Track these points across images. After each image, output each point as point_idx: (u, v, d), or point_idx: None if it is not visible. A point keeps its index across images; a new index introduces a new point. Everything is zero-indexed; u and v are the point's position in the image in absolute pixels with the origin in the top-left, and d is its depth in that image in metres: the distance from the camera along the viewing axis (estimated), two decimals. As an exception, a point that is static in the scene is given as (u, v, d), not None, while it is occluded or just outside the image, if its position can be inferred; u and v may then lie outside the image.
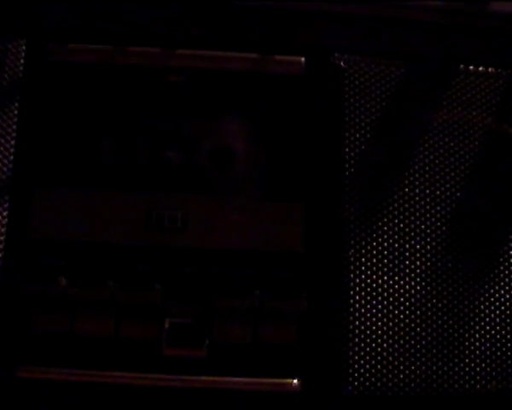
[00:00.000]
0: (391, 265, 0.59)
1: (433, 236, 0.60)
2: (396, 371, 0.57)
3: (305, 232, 0.60)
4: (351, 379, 0.57)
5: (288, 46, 0.64)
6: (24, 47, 0.62)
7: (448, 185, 0.61)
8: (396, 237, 0.59)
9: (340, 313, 0.58)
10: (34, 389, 0.57)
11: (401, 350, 0.57)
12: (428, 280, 0.59)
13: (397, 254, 0.59)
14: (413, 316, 0.58)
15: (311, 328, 0.58)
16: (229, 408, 0.58)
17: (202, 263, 0.59)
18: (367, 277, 0.58)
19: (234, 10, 0.64)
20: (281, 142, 0.61)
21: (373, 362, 0.57)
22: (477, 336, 0.58)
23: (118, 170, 0.60)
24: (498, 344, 0.58)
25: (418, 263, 0.59)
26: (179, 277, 0.58)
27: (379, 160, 0.61)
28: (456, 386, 0.57)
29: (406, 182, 0.60)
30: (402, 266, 0.59)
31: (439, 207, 0.60)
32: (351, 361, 0.57)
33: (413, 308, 0.58)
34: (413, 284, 0.59)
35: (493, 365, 0.58)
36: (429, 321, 0.58)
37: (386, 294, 0.58)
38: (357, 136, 0.61)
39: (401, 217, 0.60)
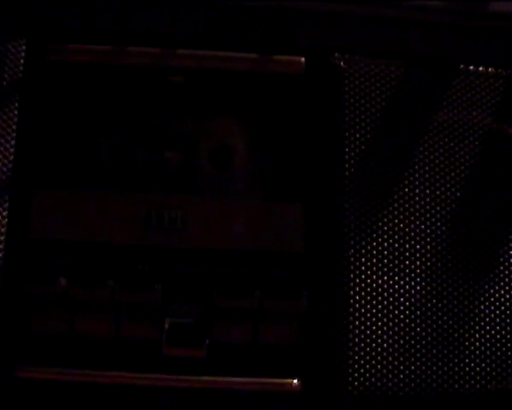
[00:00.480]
0: (391, 265, 0.59)
1: (433, 236, 0.60)
2: (396, 371, 0.57)
3: (305, 232, 0.60)
4: (351, 379, 0.57)
5: (288, 46, 0.64)
6: (24, 47, 0.62)
7: (448, 185, 0.61)
8: (396, 237, 0.59)
9: (340, 313, 0.58)
10: (34, 389, 0.57)
11: (401, 350, 0.57)
12: (428, 280, 0.59)
13: (397, 254, 0.59)
14: (413, 316, 0.58)
15: (311, 328, 0.58)
16: (230, 408, 0.58)
17: (202, 263, 0.59)
18: (367, 277, 0.58)
19: (234, 10, 0.64)
20: (281, 142, 0.61)
21: (373, 362, 0.57)
22: (477, 336, 0.58)
23: (117, 170, 0.60)
24: (498, 344, 0.58)
25: (418, 263, 0.59)
26: (179, 277, 0.58)
27: (379, 160, 0.61)
28: (456, 386, 0.57)
29: (406, 182, 0.60)
30: (402, 266, 0.59)
31: (439, 208, 0.60)
32: (351, 361, 0.57)
33: (413, 308, 0.58)
34: (413, 284, 0.59)
35: (493, 365, 0.58)
36: (429, 321, 0.58)
37: (386, 294, 0.58)
38: (357, 136, 0.61)
39: (401, 217, 0.60)
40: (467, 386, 0.58)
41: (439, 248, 0.59)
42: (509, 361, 0.58)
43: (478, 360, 0.58)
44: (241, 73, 0.63)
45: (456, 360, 0.58)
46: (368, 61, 0.63)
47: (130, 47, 0.63)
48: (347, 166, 0.60)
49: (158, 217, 0.59)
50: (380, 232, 0.59)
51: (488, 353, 0.58)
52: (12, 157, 0.60)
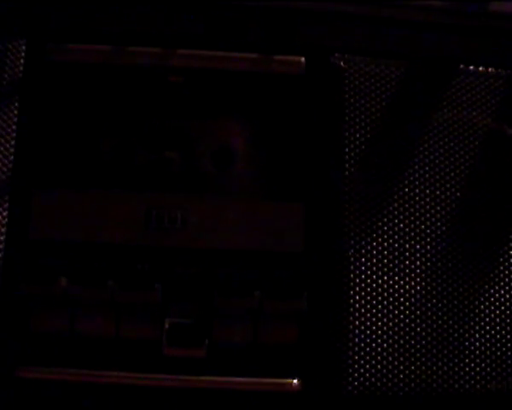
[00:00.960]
0: (391, 265, 0.59)
1: (433, 236, 0.60)
2: (396, 371, 0.57)
3: (305, 232, 0.60)
4: (351, 379, 0.57)
5: (288, 46, 0.64)
6: (24, 47, 0.62)
7: (448, 185, 0.61)
8: (396, 237, 0.59)
9: (340, 313, 0.58)
10: (34, 389, 0.57)
11: (401, 350, 0.57)
12: (428, 280, 0.59)
13: (397, 254, 0.59)
14: (413, 316, 0.58)
15: (311, 328, 0.58)
16: (229, 408, 0.58)
17: (202, 263, 0.59)
18: (367, 277, 0.58)
19: (234, 10, 0.64)
20: (281, 142, 0.61)
21: (373, 362, 0.57)
22: (477, 336, 0.58)
23: (118, 170, 0.60)
24: (498, 344, 0.58)
25: (418, 263, 0.59)
26: (179, 277, 0.58)
27: (379, 160, 0.61)
28: (456, 386, 0.57)
29: (406, 182, 0.60)
30: (402, 266, 0.59)
31: (439, 207, 0.60)
32: (351, 361, 0.57)
33: (413, 308, 0.58)
34: (413, 284, 0.59)
35: (493, 365, 0.58)
36: (429, 321, 0.58)
37: (386, 294, 0.58)
38: (357, 136, 0.61)
39: (401, 217, 0.60)
40: (467, 386, 0.58)
41: (439, 248, 0.59)
42: (509, 361, 0.58)
43: (478, 360, 0.58)
44: (241, 73, 0.63)
45: (456, 360, 0.58)
46: (368, 61, 0.63)
47: (130, 47, 0.63)
48: (347, 166, 0.60)
49: (158, 217, 0.59)
50: (380, 232, 0.59)
51: (488, 353, 0.58)
52: (12, 157, 0.60)
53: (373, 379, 0.57)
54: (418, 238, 0.59)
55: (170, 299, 0.58)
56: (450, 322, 0.58)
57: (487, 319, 0.59)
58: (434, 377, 0.57)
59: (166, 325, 0.57)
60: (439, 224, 0.60)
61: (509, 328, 0.58)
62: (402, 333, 0.58)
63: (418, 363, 0.57)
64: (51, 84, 0.61)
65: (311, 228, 0.60)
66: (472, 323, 0.58)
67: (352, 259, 0.59)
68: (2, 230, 0.58)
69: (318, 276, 0.59)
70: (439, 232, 0.60)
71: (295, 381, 0.58)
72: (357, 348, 0.57)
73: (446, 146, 0.62)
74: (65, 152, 0.60)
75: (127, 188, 0.60)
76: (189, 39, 0.64)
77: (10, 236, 0.58)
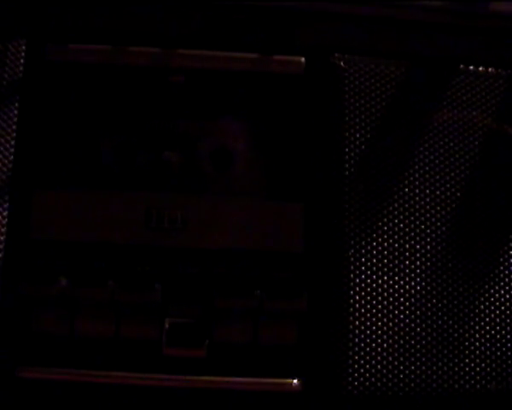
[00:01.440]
0: (391, 265, 0.59)
1: (433, 236, 0.60)
2: (396, 371, 0.57)
3: (305, 232, 0.60)
4: (351, 379, 0.57)
5: (288, 46, 0.64)
6: (24, 47, 0.62)
7: (448, 185, 0.61)
8: (396, 237, 0.59)
9: (340, 313, 0.58)
10: (34, 389, 0.57)
11: (401, 350, 0.57)
12: (428, 280, 0.59)
13: (397, 254, 0.59)
14: (413, 316, 0.58)
15: (311, 328, 0.58)
16: (230, 408, 0.58)
17: (202, 263, 0.59)
18: (367, 277, 0.58)
19: (234, 10, 0.64)
20: (281, 142, 0.61)
21: (373, 362, 0.57)
22: (477, 336, 0.58)
23: (118, 170, 0.60)
24: (498, 344, 0.58)
25: (418, 263, 0.59)
26: (179, 277, 0.58)
27: (379, 160, 0.61)
28: (456, 386, 0.57)
29: (406, 182, 0.60)
30: (402, 266, 0.59)
31: (439, 207, 0.60)
32: (351, 361, 0.57)
33: (413, 308, 0.58)
34: (413, 284, 0.59)
35: (493, 365, 0.58)
36: (429, 321, 0.58)
37: (386, 294, 0.58)
38: (357, 136, 0.61)
39: (401, 217, 0.60)
40: (467, 386, 0.58)
41: (439, 248, 0.59)
42: (509, 361, 0.58)
43: (478, 360, 0.58)
44: (241, 73, 0.63)
45: (456, 360, 0.58)
46: (368, 61, 0.63)
47: (130, 47, 0.63)
48: (347, 166, 0.60)
49: (158, 217, 0.59)
50: (380, 232, 0.59)
51: (488, 353, 0.58)
52: (12, 157, 0.60)
53: (373, 379, 0.57)
54: (418, 238, 0.59)
55: (170, 299, 0.58)
56: (450, 322, 0.58)
57: (487, 319, 0.59)
58: (434, 377, 0.57)
59: (166, 325, 0.57)
60: (439, 224, 0.60)
61: (509, 328, 0.59)
62: (402, 333, 0.58)
63: (418, 363, 0.57)
64: (51, 84, 0.61)
65: (311, 228, 0.60)
66: (472, 323, 0.58)
67: (352, 259, 0.59)
68: (2, 230, 0.58)
69: (318, 276, 0.59)
70: (439, 232, 0.60)
71: (295, 381, 0.58)
72: (357, 348, 0.57)
73: (446, 146, 0.62)
74: (65, 152, 0.60)
75: (127, 188, 0.60)
76: (189, 39, 0.64)
77: (10, 236, 0.58)
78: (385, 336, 0.58)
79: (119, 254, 0.58)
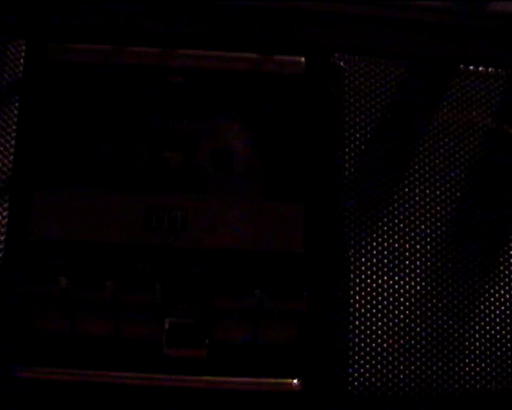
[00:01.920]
0: (391, 265, 0.59)
1: (433, 236, 0.60)
2: (396, 371, 0.57)
3: (305, 232, 0.60)
4: (351, 379, 0.57)
5: (288, 46, 0.64)
6: (24, 47, 0.62)
7: (448, 185, 0.61)
8: (396, 237, 0.59)
9: (340, 313, 0.58)
10: (34, 389, 0.57)
11: (401, 350, 0.57)
12: (428, 280, 0.59)
13: (397, 254, 0.59)
14: (413, 316, 0.58)
15: (311, 328, 0.58)
16: (229, 408, 0.58)
17: (202, 263, 0.59)
18: (367, 277, 0.58)
19: (234, 10, 0.64)
20: (281, 142, 0.61)
21: (373, 362, 0.57)
22: (477, 336, 0.58)
23: (118, 170, 0.60)
24: (498, 344, 0.58)
25: (418, 263, 0.59)
26: (179, 277, 0.58)
27: (379, 160, 0.61)
28: (456, 386, 0.57)
29: (406, 182, 0.60)
30: (402, 266, 0.59)
31: (439, 207, 0.60)
32: (351, 361, 0.57)
33: (413, 308, 0.58)
34: (413, 284, 0.59)
35: (493, 365, 0.58)
36: (429, 321, 0.58)
37: (386, 294, 0.58)
38: (357, 136, 0.61)
39: (401, 217, 0.60)
40: (467, 386, 0.58)
41: (439, 248, 0.59)
42: (509, 361, 0.58)
43: (478, 360, 0.58)
44: (241, 73, 0.63)
45: (456, 360, 0.58)
46: (368, 61, 0.63)
47: (130, 47, 0.63)
48: (347, 166, 0.60)
49: (158, 217, 0.59)
50: (380, 232, 0.59)
51: (488, 353, 0.58)
52: (12, 157, 0.60)
53: (373, 379, 0.57)
54: (418, 238, 0.59)
55: (170, 299, 0.58)
56: (450, 322, 0.58)
57: (487, 319, 0.59)
58: (434, 377, 0.57)
59: (166, 325, 0.57)
60: (439, 224, 0.60)
61: (509, 328, 0.58)
62: (402, 333, 0.58)
63: (418, 363, 0.57)
64: (51, 84, 0.61)
65: (311, 228, 0.60)
66: (472, 323, 0.58)
67: (352, 259, 0.59)
68: (2, 230, 0.58)
69: (318, 276, 0.59)
70: (439, 232, 0.60)
71: (295, 381, 0.58)
72: (357, 348, 0.57)
73: (446, 146, 0.62)
74: (65, 152, 0.60)
75: (127, 188, 0.60)
76: (189, 39, 0.64)
77: (10, 236, 0.58)
78: (385, 336, 0.58)
79: (119, 254, 0.58)
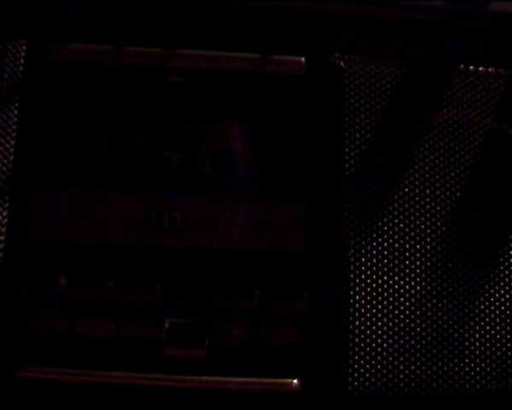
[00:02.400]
0: (391, 265, 0.59)
1: (433, 236, 0.60)
2: (396, 371, 0.57)
3: (305, 232, 0.60)
4: (351, 379, 0.57)
5: (288, 46, 0.64)
6: (24, 47, 0.62)
7: (448, 185, 0.61)
8: (396, 237, 0.59)
9: (340, 313, 0.58)
10: (34, 389, 0.57)
11: (401, 350, 0.57)
12: (428, 280, 0.59)
13: (397, 254, 0.59)
14: (413, 316, 0.58)
15: (312, 328, 0.58)
16: (229, 408, 0.58)
17: (202, 263, 0.59)
18: (367, 277, 0.58)
19: (234, 10, 0.64)
20: (281, 142, 0.61)
21: (373, 362, 0.57)
22: (477, 336, 0.58)
23: (117, 170, 0.60)
24: (498, 344, 0.58)
25: (418, 263, 0.59)
26: (179, 277, 0.58)
27: (379, 159, 0.61)
28: (456, 386, 0.57)
29: (406, 182, 0.60)
30: (402, 266, 0.59)
31: (439, 207, 0.60)
32: (351, 361, 0.57)
33: (413, 308, 0.58)
34: (413, 284, 0.59)
35: (493, 365, 0.58)
36: (429, 321, 0.58)
37: (386, 294, 0.58)
38: (357, 136, 0.61)
39: (401, 217, 0.60)
40: (467, 386, 0.58)
41: (439, 248, 0.59)
42: (509, 361, 0.58)
43: (478, 360, 0.58)
44: (241, 73, 0.63)
45: (456, 360, 0.58)
46: (368, 61, 0.63)
47: (130, 47, 0.63)
48: (347, 166, 0.60)
49: (158, 217, 0.59)
50: (380, 232, 0.59)
51: (488, 353, 0.58)
52: (12, 157, 0.60)
53: (373, 379, 0.57)
54: (418, 238, 0.59)
55: (170, 299, 0.58)
56: (450, 322, 0.58)
57: (487, 319, 0.59)
58: (434, 377, 0.57)
59: (166, 325, 0.57)
60: (439, 224, 0.60)
61: (508, 328, 0.58)
62: (402, 333, 0.58)
63: (418, 363, 0.57)
64: (51, 84, 0.61)
65: (311, 228, 0.60)
66: (472, 323, 0.58)
67: (352, 259, 0.59)
68: (2, 230, 0.58)
69: (318, 276, 0.59)
70: (439, 232, 0.60)
71: (295, 381, 0.58)
72: (357, 348, 0.57)
73: (446, 146, 0.62)
74: (65, 152, 0.60)
75: (127, 188, 0.60)
76: (189, 39, 0.64)
77: (10, 236, 0.58)
78: (385, 337, 0.58)
79: (119, 254, 0.58)
